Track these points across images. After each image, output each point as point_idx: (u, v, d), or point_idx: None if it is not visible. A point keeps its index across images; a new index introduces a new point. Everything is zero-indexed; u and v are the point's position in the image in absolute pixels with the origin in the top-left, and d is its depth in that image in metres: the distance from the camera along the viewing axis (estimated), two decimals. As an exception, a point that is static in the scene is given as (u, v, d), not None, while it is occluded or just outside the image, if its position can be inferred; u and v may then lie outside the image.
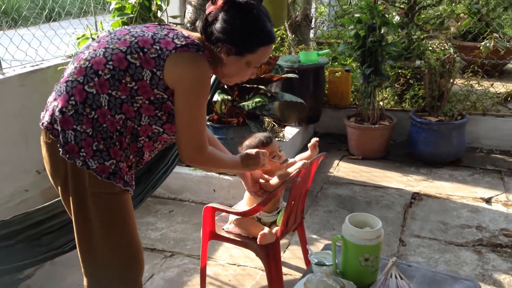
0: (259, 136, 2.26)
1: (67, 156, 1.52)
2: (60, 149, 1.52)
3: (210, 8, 1.61)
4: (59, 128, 1.52)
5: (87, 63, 1.56)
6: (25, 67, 3.27)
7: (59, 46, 3.71)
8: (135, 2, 3.36)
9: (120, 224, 1.62)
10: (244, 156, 1.91)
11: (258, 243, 2.12)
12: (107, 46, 1.58)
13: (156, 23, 1.76)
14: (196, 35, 1.64)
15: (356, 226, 1.62)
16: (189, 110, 1.58)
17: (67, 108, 1.52)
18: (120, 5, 3.48)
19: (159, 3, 3.54)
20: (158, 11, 3.65)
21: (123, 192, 1.61)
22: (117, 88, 1.52)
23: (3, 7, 4.13)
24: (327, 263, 1.69)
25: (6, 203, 2.97)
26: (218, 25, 1.57)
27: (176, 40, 1.57)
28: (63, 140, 1.52)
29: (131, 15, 3.46)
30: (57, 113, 1.53)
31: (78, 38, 3.53)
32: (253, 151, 1.94)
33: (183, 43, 1.56)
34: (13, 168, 3.02)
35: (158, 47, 1.55)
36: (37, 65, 3.35)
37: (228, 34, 1.57)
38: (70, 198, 1.59)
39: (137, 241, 1.67)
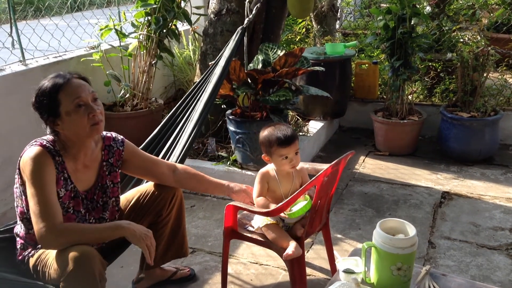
0: (280, 132, 2.10)
1: None
2: None
3: None
4: None
5: None
6: (47, 58, 3.24)
7: (82, 37, 3.67)
8: (158, -8, 3.30)
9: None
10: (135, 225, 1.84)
11: (283, 259, 2.03)
12: None
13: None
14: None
15: (388, 233, 1.52)
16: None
17: None
18: (144, -5, 3.42)
19: (182, -7, 3.47)
20: (182, 2, 3.58)
21: None
22: None
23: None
24: (356, 271, 1.60)
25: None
26: None
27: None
28: None
29: (155, 6, 3.40)
30: None
31: (101, 29, 3.49)
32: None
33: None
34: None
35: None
36: (60, 56, 3.32)
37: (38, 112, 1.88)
38: None
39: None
